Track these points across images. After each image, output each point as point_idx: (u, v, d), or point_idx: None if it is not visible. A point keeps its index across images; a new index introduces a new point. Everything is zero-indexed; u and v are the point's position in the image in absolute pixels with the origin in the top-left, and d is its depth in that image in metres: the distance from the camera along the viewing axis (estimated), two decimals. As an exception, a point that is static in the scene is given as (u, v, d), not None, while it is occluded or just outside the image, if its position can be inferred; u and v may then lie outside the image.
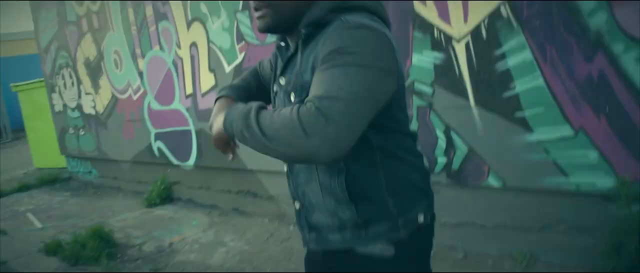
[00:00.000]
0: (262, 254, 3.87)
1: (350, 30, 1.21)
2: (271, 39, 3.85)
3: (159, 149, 5.59)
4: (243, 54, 4.30)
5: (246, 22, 4.20)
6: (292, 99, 1.33)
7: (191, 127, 5.05)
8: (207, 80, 4.73)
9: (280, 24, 1.34)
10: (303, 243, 1.53)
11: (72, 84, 7.00)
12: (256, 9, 1.35)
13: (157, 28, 5.17)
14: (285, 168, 1.50)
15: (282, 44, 1.45)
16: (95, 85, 6.48)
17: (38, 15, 7.42)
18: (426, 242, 1.44)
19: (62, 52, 7.02)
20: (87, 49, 6.45)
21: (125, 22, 5.59)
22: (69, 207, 6.04)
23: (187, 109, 5.03)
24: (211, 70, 4.65)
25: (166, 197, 5.56)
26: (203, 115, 4.86)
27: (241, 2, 4.20)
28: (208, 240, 4.33)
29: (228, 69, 4.46)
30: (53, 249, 4.31)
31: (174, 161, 5.41)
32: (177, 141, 5.29)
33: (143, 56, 5.48)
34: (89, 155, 6.98)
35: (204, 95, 4.79)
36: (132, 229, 4.84)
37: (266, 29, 1.36)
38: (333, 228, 1.40)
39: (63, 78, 7.20)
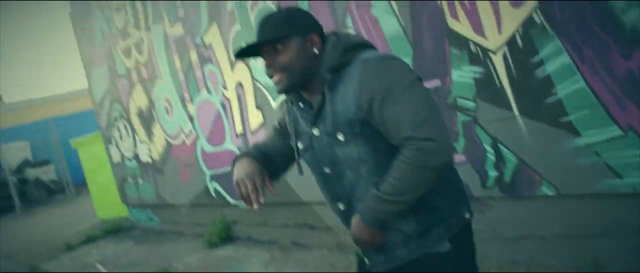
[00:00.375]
0: (325, 285, 4.07)
1: (379, 66, 1.51)
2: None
3: (216, 190, 5.93)
4: (287, 87, 4.57)
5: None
6: (341, 137, 1.57)
7: (244, 165, 5.34)
8: (255, 118, 5.05)
9: (296, 83, 1.62)
10: (368, 268, 1.73)
11: (128, 134, 7.54)
12: (270, 76, 1.62)
13: (202, 72, 5.57)
14: (341, 207, 1.70)
15: (300, 103, 1.69)
16: (149, 133, 6.97)
17: (90, 72, 8.08)
18: (470, 236, 1.69)
19: (116, 104, 7.59)
20: (138, 99, 6.97)
21: (172, 69, 6.05)
22: (135, 255, 6.48)
23: (239, 148, 5.35)
24: (258, 107, 4.96)
25: (226, 237, 5.86)
26: (254, 152, 5.14)
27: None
28: (270, 276, 4.57)
29: (275, 105, 4.76)
30: (123, 297, 4.69)
31: (231, 200, 5.73)
32: (232, 181, 5.59)
33: (192, 100, 5.90)
34: (148, 203, 7.45)
35: (253, 133, 5.10)
36: (196, 271, 5.16)
37: (285, 91, 1.65)
38: (399, 243, 1.62)
39: (118, 130, 7.76)
